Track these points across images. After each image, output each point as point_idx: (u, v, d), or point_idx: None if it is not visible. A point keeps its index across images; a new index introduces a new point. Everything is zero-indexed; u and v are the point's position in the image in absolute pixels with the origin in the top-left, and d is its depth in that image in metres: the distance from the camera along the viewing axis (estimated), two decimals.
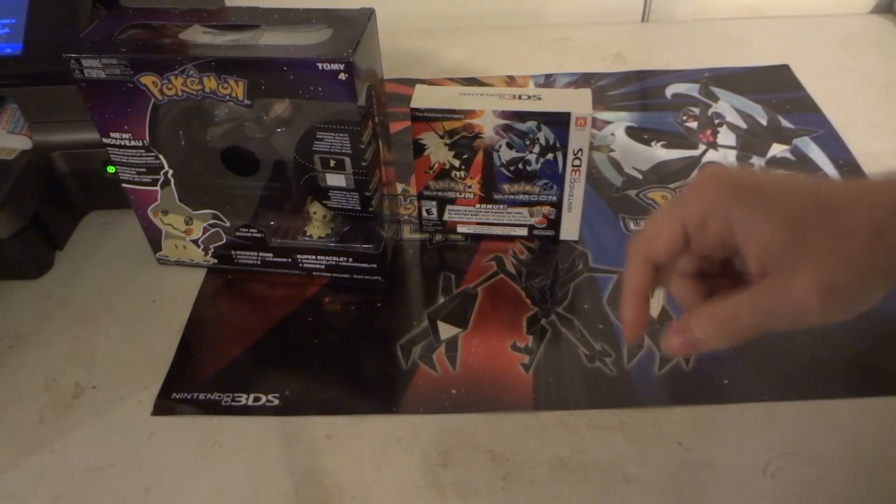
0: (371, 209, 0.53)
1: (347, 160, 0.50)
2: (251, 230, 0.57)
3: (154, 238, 0.59)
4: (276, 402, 0.50)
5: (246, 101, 0.48)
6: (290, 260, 0.58)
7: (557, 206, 0.58)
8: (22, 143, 0.60)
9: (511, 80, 0.83)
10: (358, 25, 0.48)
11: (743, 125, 0.73)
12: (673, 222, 0.31)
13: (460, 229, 0.61)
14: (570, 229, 0.60)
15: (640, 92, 0.80)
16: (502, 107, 0.53)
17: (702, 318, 0.30)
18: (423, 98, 0.55)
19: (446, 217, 0.61)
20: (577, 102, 0.54)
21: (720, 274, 0.33)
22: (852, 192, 0.29)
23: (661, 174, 0.68)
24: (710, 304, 0.30)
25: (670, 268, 0.33)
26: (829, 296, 0.27)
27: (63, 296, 0.59)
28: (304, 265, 0.58)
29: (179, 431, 0.48)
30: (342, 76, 0.45)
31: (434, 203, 0.60)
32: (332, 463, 0.46)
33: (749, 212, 0.29)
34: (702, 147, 0.71)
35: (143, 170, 0.54)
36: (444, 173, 0.57)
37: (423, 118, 0.54)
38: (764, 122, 0.73)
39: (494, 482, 0.44)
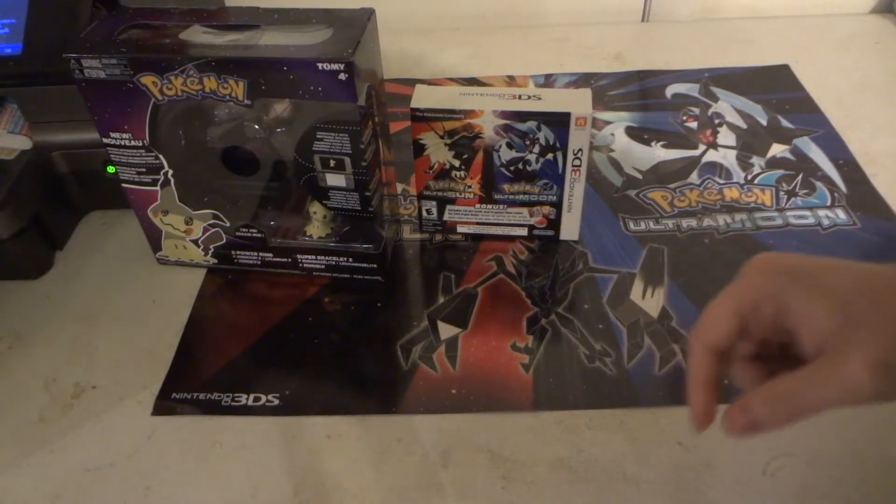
0: (371, 209, 0.53)
1: (347, 160, 0.50)
2: (251, 230, 0.57)
3: (154, 238, 0.59)
4: (276, 402, 0.50)
5: (246, 101, 0.48)
6: (290, 260, 0.58)
7: (557, 206, 0.58)
8: (22, 143, 0.60)
9: (511, 80, 0.83)
10: (358, 25, 0.48)
11: (743, 125, 0.73)
12: (728, 309, 0.32)
13: (460, 229, 0.61)
14: (570, 229, 0.60)
15: (640, 92, 0.80)
16: (502, 107, 0.53)
17: (759, 398, 0.31)
18: (423, 98, 0.55)
19: (446, 217, 0.61)
20: (577, 102, 0.54)
21: (780, 357, 0.34)
22: None
23: (661, 174, 0.68)
24: (767, 385, 0.31)
25: (731, 353, 0.34)
26: (881, 372, 0.28)
27: (63, 296, 0.59)
28: (304, 265, 0.58)
29: (179, 431, 0.48)
30: (342, 76, 0.45)
31: (434, 203, 0.60)
32: (332, 463, 0.46)
33: (801, 295, 0.31)
34: (702, 147, 0.71)
35: (143, 170, 0.54)
36: (444, 173, 0.57)
37: (423, 118, 0.54)
38: (764, 122, 0.73)
39: (494, 482, 0.44)
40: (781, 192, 0.64)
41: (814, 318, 0.30)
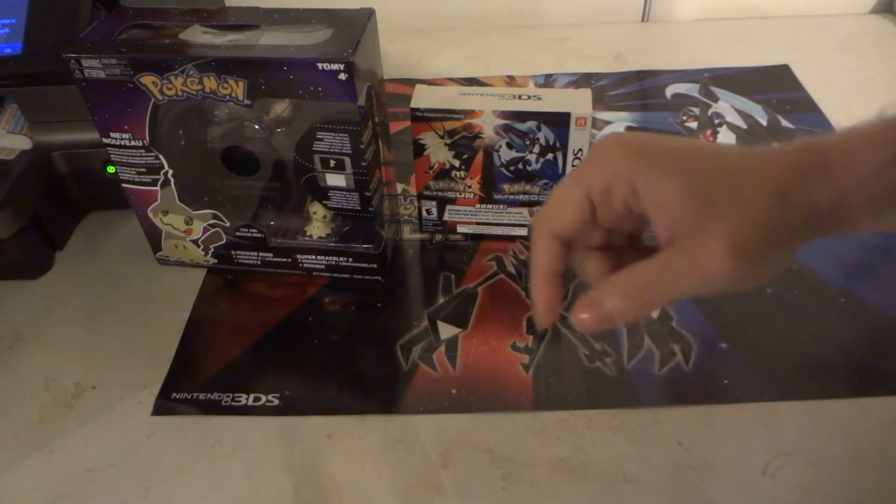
0: (371, 209, 0.53)
1: (347, 160, 0.50)
2: (251, 230, 0.57)
3: (154, 238, 0.59)
4: (276, 402, 0.50)
5: (246, 101, 0.48)
6: (290, 260, 0.58)
7: None
8: (22, 143, 0.60)
9: (511, 80, 0.83)
10: (358, 25, 0.48)
11: (743, 125, 0.73)
12: (577, 193, 0.30)
13: (460, 229, 0.61)
14: None
15: (640, 92, 0.80)
16: (502, 107, 0.53)
17: (611, 289, 0.29)
18: (423, 98, 0.55)
19: (446, 217, 0.61)
20: (577, 102, 0.54)
21: (627, 248, 0.32)
22: (754, 158, 0.29)
23: None
24: (618, 274, 0.29)
25: (578, 243, 0.32)
26: (739, 257, 0.27)
27: (63, 296, 0.59)
28: (304, 265, 0.58)
29: (179, 431, 0.48)
30: (342, 76, 0.45)
31: (434, 203, 0.60)
32: (332, 463, 0.46)
33: (654, 176, 0.29)
34: None
35: (143, 170, 0.54)
36: (444, 173, 0.57)
37: (423, 118, 0.54)
38: (764, 122, 0.73)
39: (494, 482, 0.44)
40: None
41: (668, 199, 0.28)
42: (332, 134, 0.49)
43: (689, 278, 0.28)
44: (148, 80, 0.48)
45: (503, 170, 0.56)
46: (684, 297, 0.28)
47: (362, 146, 0.49)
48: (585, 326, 0.29)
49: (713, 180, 0.28)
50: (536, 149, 0.55)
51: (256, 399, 0.50)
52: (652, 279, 0.28)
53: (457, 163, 0.57)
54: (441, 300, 0.56)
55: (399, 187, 0.66)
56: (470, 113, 0.54)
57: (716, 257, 0.27)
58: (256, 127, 0.54)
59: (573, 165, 0.55)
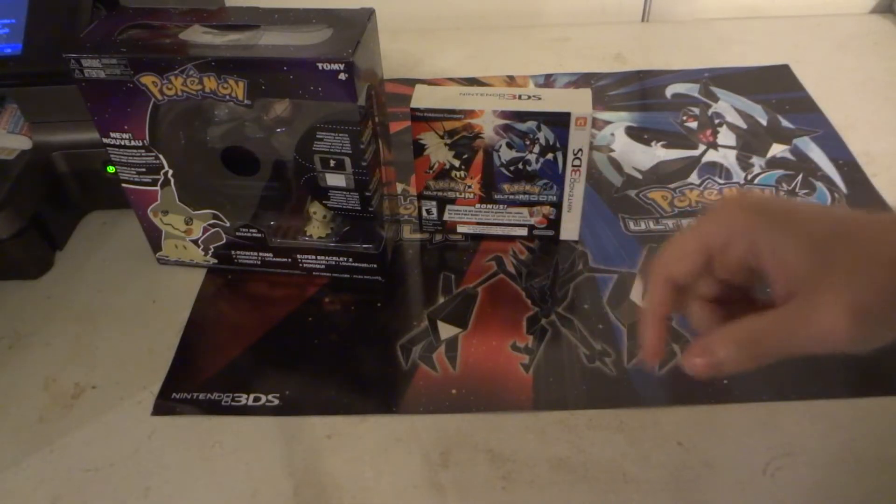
0: (371, 209, 0.53)
1: (347, 160, 0.50)
2: (251, 230, 0.57)
3: (154, 238, 0.59)
4: (276, 402, 0.50)
5: (246, 101, 0.48)
6: (290, 260, 0.58)
7: (557, 206, 0.58)
8: (22, 143, 0.60)
9: (511, 80, 0.83)
10: (358, 25, 0.48)
11: (743, 125, 0.73)
12: (695, 244, 0.31)
13: (460, 229, 0.61)
14: (570, 229, 0.60)
15: (640, 92, 0.80)
16: (502, 107, 0.53)
17: (725, 338, 0.29)
18: (423, 98, 0.55)
19: (446, 217, 0.61)
20: (577, 102, 0.54)
21: (739, 301, 0.33)
22: (876, 223, 0.29)
23: (661, 174, 0.68)
24: (734, 325, 0.30)
25: (690, 291, 0.33)
26: (858, 319, 0.27)
27: (63, 296, 0.59)
28: (304, 265, 0.58)
29: (179, 431, 0.48)
30: (342, 76, 0.45)
31: (434, 203, 0.60)
32: (332, 463, 0.46)
33: (774, 234, 0.29)
34: (702, 147, 0.71)
35: (143, 170, 0.54)
36: (444, 173, 0.57)
37: (423, 118, 0.54)
38: (764, 122, 0.73)
39: (494, 482, 0.44)
40: (781, 192, 0.64)
41: (787, 258, 0.29)
42: (332, 134, 0.49)
43: (804, 336, 0.28)
44: (148, 80, 0.48)
45: (503, 170, 0.56)
46: (797, 354, 0.28)
47: (362, 146, 0.49)
48: (697, 371, 0.30)
49: (834, 242, 0.28)
50: (536, 149, 0.55)
51: (256, 399, 0.50)
52: (766, 333, 0.29)
53: (457, 163, 0.57)
54: (441, 300, 0.56)
55: (399, 187, 0.66)
56: (470, 113, 0.54)
57: (832, 318, 0.27)
58: (256, 127, 0.54)
59: (573, 166, 0.55)
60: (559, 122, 0.53)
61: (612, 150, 0.71)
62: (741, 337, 0.29)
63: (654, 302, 0.32)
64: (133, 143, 0.52)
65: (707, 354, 0.29)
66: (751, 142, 0.71)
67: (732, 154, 0.69)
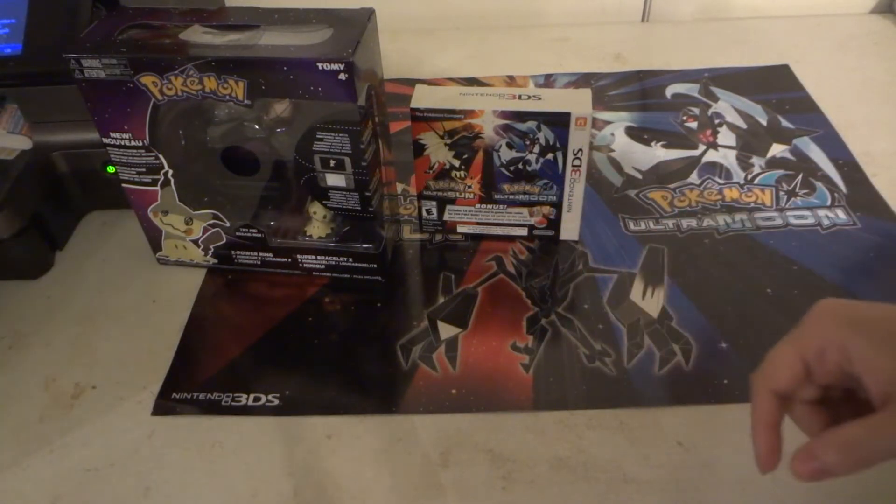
0: (371, 209, 0.53)
1: (347, 160, 0.50)
2: (251, 230, 0.57)
3: (154, 238, 0.59)
4: (276, 402, 0.50)
5: (246, 101, 0.48)
6: (290, 260, 0.58)
7: (557, 206, 0.58)
8: (22, 143, 0.60)
9: (511, 80, 0.83)
10: (358, 25, 0.48)
11: (743, 125, 0.73)
12: (792, 355, 0.33)
13: (460, 229, 0.61)
14: (570, 229, 0.60)
15: (640, 92, 0.80)
16: (502, 107, 0.53)
17: (827, 444, 0.31)
18: (423, 98, 0.55)
19: (446, 217, 0.61)
20: (577, 102, 0.54)
21: (843, 401, 0.34)
22: None
23: (661, 174, 0.68)
24: (835, 431, 0.31)
25: (795, 396, 0.34)
26: None
27: (63, 296, 0.59)
28: (304, 265, 0.58)
29: (179, 431, 0.48)
30: (342, 76, 0.45)
31: (434, 203, 0.60)
32: (332, 463, 0.46)
33: (866, 343, 0.31)
34: (702, 147, 0.71)
35: (143, 170, 0.54)
36: (444, 173, 0.57)
37: (423, 118, 0.54)
38: (764, 122, 0.73)
39: (494, 482, 0.44)
40: (781, 192, 0.64)
41: (879, 366, 0.30)
42: (332, 134, 0.49)
43: None
44: (148, 80, 0.48)
45: (503, 170, 0.56)
46: None
47: (362, 146, 0.49)
48: (802, 477, 0.32)
49: None
50: (536, 149, 0.55)
51: (256, 399, 0.50)
52: (865, 439, 0.30)
53: (457, 163, 0.57)
54: (441, 300, 0.56)
55: (399, 187, 0.66)
56: (470, 113, 0.54)
57: None
58: (256, 127, 0.54)
59: (573, 166, 0.55)
60: (559, 122, 0.53)
61: (612, 150, 0.71)
62: (843, 442, 0.31)
63: (759, 412, 0.34)
64: (133, 143, 0.52)
65: (812, 460, 0.31)
66: (751, 142, 0.71)
67: (732, 154, 0.69)
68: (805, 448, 0.32)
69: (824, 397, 0.35)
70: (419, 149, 0.56)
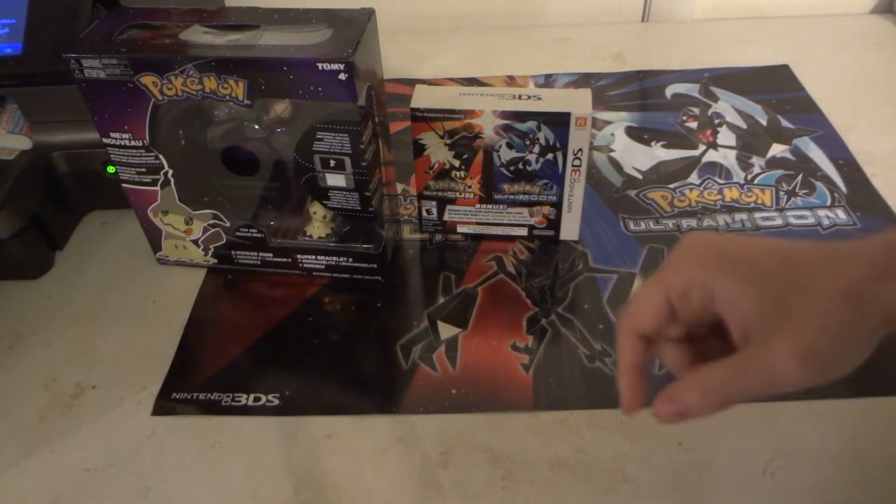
0: (371, 209, 0.53)
1: (347, 160, 0.50)
2: (251, 230, 0.57)
3: (154, 238, 0.59)
4: (276, 402, 0.50)
5: (246, 101, 0.48)
6: (290, 260, 0.58)
7: (557, 206, 0.58)
8: (22, 143, 0.60)
9: (511, 80, 0.83)
10: (358, 25, 0.48)
11: (743, 125, 0.73)
12: (656, 296, 0.32)
13: (460, 229, 0.61)
14: (570, 229, 0.60)
15: (640, 92, 0.80)
16: (502, 107, 0.53)
17: (688, 387, 0.31)
18: (423, 98, 0.55)
19: (446, 217, 0.61)
20: (577, 102, 0.54)
21: (710, 336, 0.34)
22: (830, 260, 0.30)
23: (661, 174, 0.68)
24: (695, 374, 0.31)
25: (660, 337, 0.34)
26: (808, 361, 0.28)
27: (63, 296, 0.59)
28: (304, 265, 0.58)
29: (179, 431, 0.48)
30: (342, 76, 0.45)
31: (434, 203, 0.60)
32: (332, 463, 0.46)
33: (727, 282, 0.30)
34: (702, 147, 0.71)
35: (143, 170, 0.54)
36: (444, 173, 0.57)
37: (423, 118, 0.54)
38: (764, 122, 0.73)
39: (494, 482, 0.44)
40: (781, 192, 0.64)
41: (741, 305, 0.30)
42: (332, 134, 0.49)
43: (760, 381, 0.29)
44: (148, 80, 0.48)
45: (503, 170, 0.56)
46: (758, 397, 0.29)
47: (362, 146, 0.49)
48: (663, 418, 0.31)
49: (786, 284, 0.29)
50: (536, 149, 0.55)
51: (256, 399, 0.50)
52: (725, 381, 0.30)
53: (457, 163, 0.57)
54: (441, 300, 0.56)
55: (399, 187, 0.66)
56: (470, 113, 0.54)
57: (783, 361, 0.28)
58: (256, 127, 0.54)
59: (573, 166, 0.55)
60: (559, 122, 0.53)
61: (612, 150, 0.71)
62: (701, 386, 0.31)
63: (624, 355, 0.33)
64: (133, 143, 0.52)
65: (672, 403, 0.31)
66: (751, 142, 0.71)
67: (732, 154, 0.69)
68: (666, 391, 0.31)
69: (690, 334, 0.34)
70: (419, 149, 0.56)
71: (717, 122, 0.74)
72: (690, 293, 0.31)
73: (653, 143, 0.71)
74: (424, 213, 0.61)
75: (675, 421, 0.31)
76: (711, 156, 0.69)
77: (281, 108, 0.53)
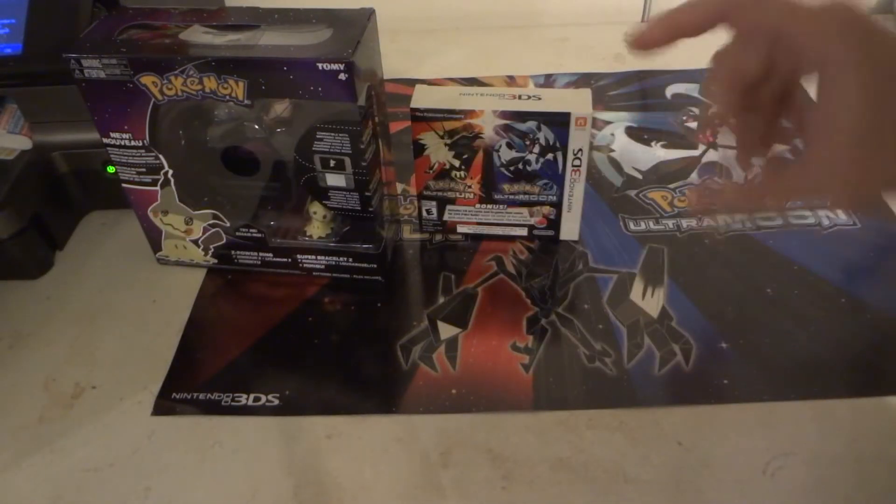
0: (371, 209, 0.53)
1: (347, 160, 0.50)
2: (251, 230, 0.57)
3: (154, 238, 0.59)
4: (276, 402, 0.50)
5: (246, 101, 0.48)
6: (290, 260, 0.58)
7: (557, 206, 0.58)
8: (22, 143, 0.60)
9: (511, 80, 0.83)
10: (358, 25, 0.48)
11: None
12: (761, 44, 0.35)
13: (460, 229, 0.61)
14: (570, 229, 0.60)
15: (640, 92, 0.80)
16: (502, 107, 0.53)
17: (773, 189, 0.37)
18: (423, 98, 0.55)
19: (446, 217, 0.61)
20: (577, 102, 0.54)
21: (773, 119, 0.39)
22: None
23: (661, 174, 0.68)
24: (779, 178, 0.37)
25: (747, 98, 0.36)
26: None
27: (63, 296, 0.59)
28: (304, 265, 0.58)
29: (179, 431, 0.48)
30: (342, 76, 0.45)
31: (434, 203, 0.60)
32: (332, 463, 0.46)
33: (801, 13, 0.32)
34: (702, 147, 0.71)
35: (143, 170, 0.54)
36: (444, 173, 0.57)
37: (423, 118, 0.54)
38: None
39: (494, 482, 0.44)
40: None
41: (813, 25, 0.32)
42: (332, 134, 0.49)
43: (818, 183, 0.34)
44: (148, 80, 0.48)
45: (503, 170, 0.56)
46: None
47: (362, 146, 0.49)
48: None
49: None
50: (536, 149, 0.55)
51: (256, 399, 0.50)
52: (800, 183, 0.36)
53: (457, 163, 0.57)
54: (441, 300, 0.56)
55: (399, 187, 0.66)
56: (470, 113, 0.54)
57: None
58: (256, 127, 0.54)
59: (573, 166, 0.55)
60: (559, 122, 0.53)
61: (612, 150, 0.71)
62: (784, 188, 0.36)
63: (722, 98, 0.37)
64: (133, 143, 0.52)
65: (756, 200, 0.37)
66: None
67: (732, 154, 0.69)
68: (751, 187, 0.37)
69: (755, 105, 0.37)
70: (419, 149, 0.56)
71: (717, 121, 0.73)
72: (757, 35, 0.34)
73: (653, 143, 0.71)
74: (424, 213, 0.61)
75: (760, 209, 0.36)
76: (711, 156, 0.69)
77: (281, 108, 0.53)
